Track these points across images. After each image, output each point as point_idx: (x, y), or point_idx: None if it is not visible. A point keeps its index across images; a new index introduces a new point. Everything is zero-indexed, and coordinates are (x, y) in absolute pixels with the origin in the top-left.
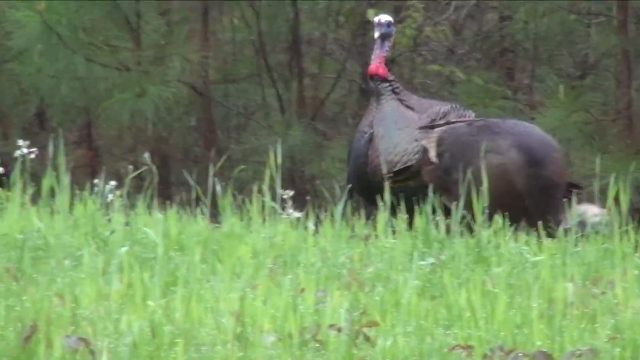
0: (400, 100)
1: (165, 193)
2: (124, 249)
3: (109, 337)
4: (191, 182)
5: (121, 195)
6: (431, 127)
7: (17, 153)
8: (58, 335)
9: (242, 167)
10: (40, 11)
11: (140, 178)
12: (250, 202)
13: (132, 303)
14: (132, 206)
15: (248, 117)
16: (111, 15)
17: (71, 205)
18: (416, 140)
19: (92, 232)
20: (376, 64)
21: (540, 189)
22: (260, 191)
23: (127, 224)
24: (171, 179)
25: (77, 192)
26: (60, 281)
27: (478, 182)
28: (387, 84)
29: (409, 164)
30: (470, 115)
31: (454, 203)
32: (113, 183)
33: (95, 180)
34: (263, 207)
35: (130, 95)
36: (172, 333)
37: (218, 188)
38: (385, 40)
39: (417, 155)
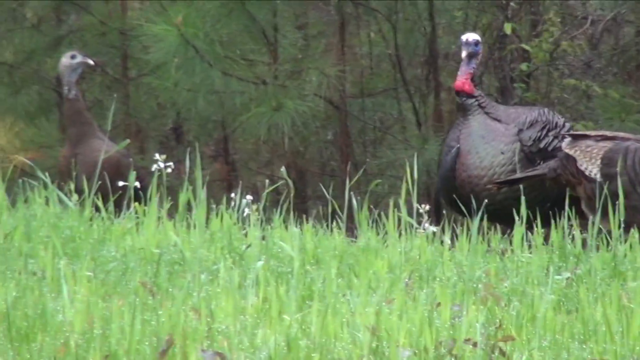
0: (487, 114)
1: (302, 207)
2: (260, 263)
3: (244, 351)
4: (327, 196)
5: (257, 210)
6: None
7: (154, 167)
8: (194, 350)
9: (378, 181)
10: (177, 25)
11: (276, 192)
12: (387, 216)
13: (268, 317)
14: (269, 220)
15: (384, 131)
16: (248, 29)
17: (207, 219)
18: (502, 152)
19: (228, 247)
20: (462, 80)
21: None
22: (396, 205)
23: (263, 238)
24: (307, 193)
25: (214, 206)
26: (196, 295)
27: None
28: (474, 100)
29: (511, 176)
30: (560, 120)
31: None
32: (249, 197)
33: (232, 195)
34: (399, 221)
35: (267, 109)
36: (308, 347)
37: (354, 202)
38: (473, 59)
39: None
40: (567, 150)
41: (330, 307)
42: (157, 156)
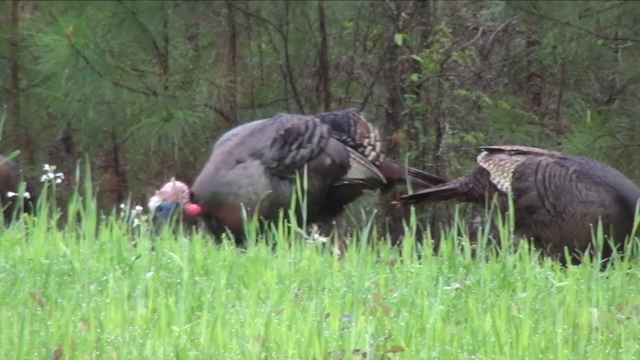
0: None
1: (191, 218)
2: (149, 274)
3: None
4: None
5: (147, 220)
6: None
7: (44, 178)
8: None
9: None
10: (67, 35)
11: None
12: (276, 227)
13: (157, 328)
14: (158, 231)
15: None
16: (139, 39)
17: (97, 230)
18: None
19: (118, 257)
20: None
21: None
22: (285, 216)
23: (152, 249)
24: None
25: (103, 217)
26: (85, 306)
27: (574, 229)
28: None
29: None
30: (304, 125)
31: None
32: (139, 208)
33: (122, 205)
34: (289, 232)
35: (157, 120)
36: (197, 358)
37: (244, 213)
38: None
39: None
40: (481, 164)
41: (219, 317)
42: (46, 167)
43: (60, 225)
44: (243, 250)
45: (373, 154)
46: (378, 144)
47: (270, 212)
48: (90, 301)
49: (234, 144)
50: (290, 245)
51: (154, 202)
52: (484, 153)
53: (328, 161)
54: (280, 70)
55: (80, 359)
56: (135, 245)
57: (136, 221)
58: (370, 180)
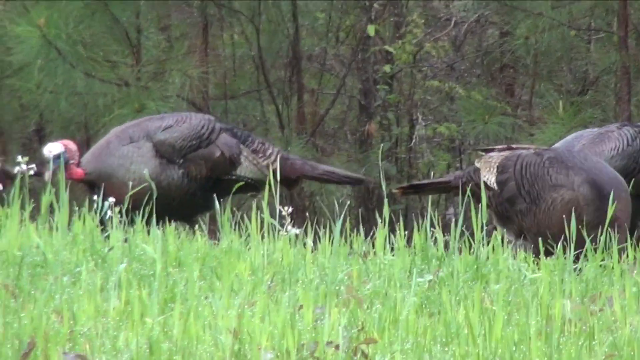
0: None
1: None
2: (122, 266)
3: (106, 354)
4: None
5: (120, 212)
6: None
7: (17, 169)
8: (56, 352)
9: (241, 182)
10: (39, 26)
11: (138, 194)
12: (249, 218)
13: (130, 320)
14: (131, 223)
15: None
16: (111, 30)
17: (70, 221)
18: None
19: (91, 249)
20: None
21: (603, 224)
22: (259, 208)
23: (125, 240)
24: None
25: (76, 208)
26: (58, 298)
27: (546, 215)
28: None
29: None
30: (198, 120)
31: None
32: (112, 199)
33: (94, 197)
34: (262, 223)
35: (130, 111)
36: (170, 350)
37: (217, 204)
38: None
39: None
40: (476, 164)
41: (192, 309)
42: (19, 158)
43: (33, 216)
44: (216, 242)
45: (267, 161)
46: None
47: (160, 191)
48: (64, 293)
49: (130, 124)
50: (262, 237)
51: (56, 148)
52: (482, 154)
53: (217, 153)
54: (253, 62)
55: (53, 351)
56: (108, 237)
57: (109, 213)
58: (257, 181)
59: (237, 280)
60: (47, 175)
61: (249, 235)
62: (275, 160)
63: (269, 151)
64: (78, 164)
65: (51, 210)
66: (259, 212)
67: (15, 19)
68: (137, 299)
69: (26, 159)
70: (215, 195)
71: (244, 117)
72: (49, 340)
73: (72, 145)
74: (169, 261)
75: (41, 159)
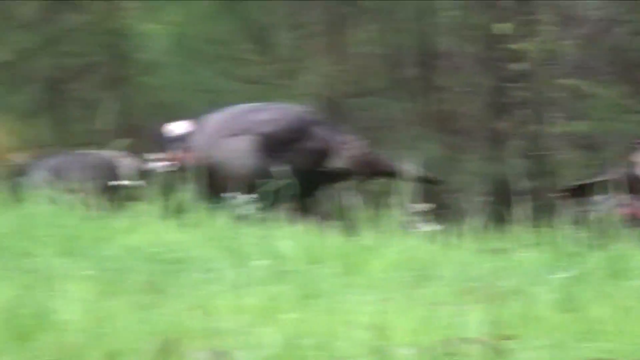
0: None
1: (302, 205)
2: (260, 262)
3: (245, 350)
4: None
5: (257, 208)
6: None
7: (153, 166)
8: (194, 348)
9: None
10: (171, 24)
11: (277, 190)
12: (387, 215)
13: (269, 316)
14: (269, 218)
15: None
16: (242, 28)
17: (208, 217)
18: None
19: (229, 245)
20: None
21: None
22: (397, 204)
23: (263, 236)
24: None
25: (212, 205)
26: (195, 294)
27: None
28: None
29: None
30: (293, 111)
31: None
32: (249, 196)
33: (231, 193)
34: (399, 220)
35: None
36: (308, 346)
37: (355, 200)
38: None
39: None
40: (634, 158)
41: (330, 305)
42: (155, 155)
43: (172, 212)
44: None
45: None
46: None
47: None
48: (202, 289)
49: (230, 115)
50: (397, 233)
51: (179, 127)
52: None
53: (316, 145)
54: (385, 59)
55: (191, 347)
56: (245, 233)
57: (246, 208)
58: (350, 173)
59: (374, 276)
60: (167, 154)
61: (386, 231)
62: (367, 153)
63: (359, 144)
64: (191, 150)
65: (189, 206)
66: (397, 209)
67: (147, 18)
68: (274, 295)
69: (162, 155)
70: (316, 188)
71: (373, 115)
72: (188, 337)
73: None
74: (307, 257)
75: (162, 136)
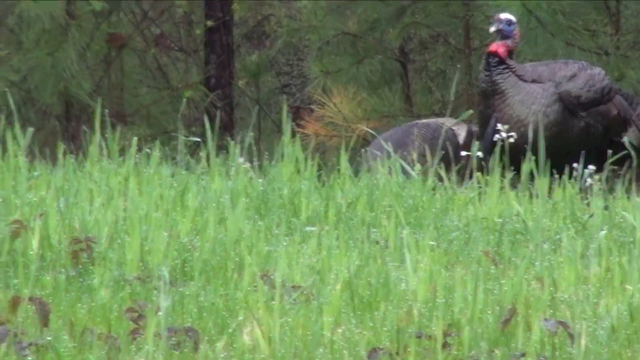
0: (519, 77)
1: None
2: (602, 233)
3: (587, 320)
4: None
5: (600, 180)
6: None
7: (496, 137)
8: (536, 319)
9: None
10: None
11: (618, 163)
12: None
13: (611, 287)
14: (611, 190)
15: None
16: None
17: (550, 189)
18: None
19: (571, 216)
20: (498, 44)
21: None
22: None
23: (606, 208)
24: None
25: (556, 176)
26: (538, 265)
27: None
28: (504, 66)
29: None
30: (598, 72)
31: None
32: (592, 167)
33: (574, 165)
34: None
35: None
36: None
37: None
38: (506, 38)
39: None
40: None
41: None
42: (499, 126)
43: (513, 184)
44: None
45: None
46: None
47: (554, 142)
48: (544, 260)
49: (542, 63)
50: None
51: (508, 16)
52: None
53: (614, 112)
54: None
55: (534, 317)
56: (588, 205)
57: (589, 180)
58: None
59: None
60: (492, 31)
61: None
62: None
63: None
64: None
65: (531, 177)
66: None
67: None
68: (617, 266)
69: (507, 126)
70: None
71: None
72: (530, 307)
73: (517, 35)
74: None
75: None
